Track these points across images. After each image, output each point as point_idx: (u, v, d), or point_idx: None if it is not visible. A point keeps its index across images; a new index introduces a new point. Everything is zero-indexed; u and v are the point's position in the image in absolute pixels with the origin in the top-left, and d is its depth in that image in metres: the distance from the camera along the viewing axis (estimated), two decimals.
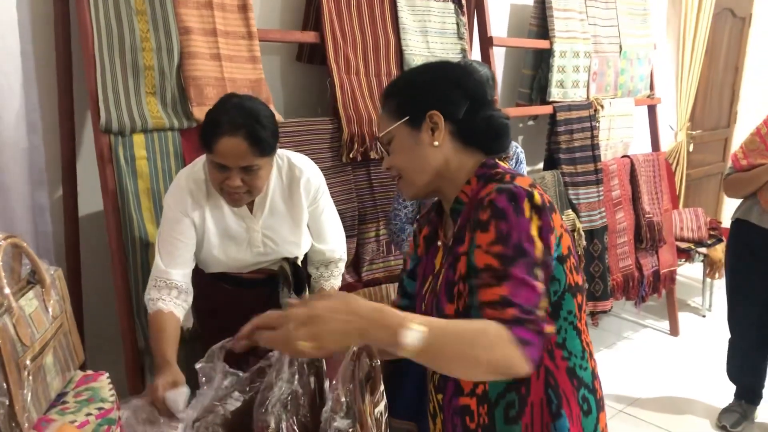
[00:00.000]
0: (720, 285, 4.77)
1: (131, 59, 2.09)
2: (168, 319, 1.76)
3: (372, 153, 2.63)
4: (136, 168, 2.09)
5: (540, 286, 1.09)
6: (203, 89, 2.20)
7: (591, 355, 1.30)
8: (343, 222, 2.17)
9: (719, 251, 4.41)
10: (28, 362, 1.17)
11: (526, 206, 1.12)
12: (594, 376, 1.29)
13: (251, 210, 1.89)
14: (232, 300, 1.94)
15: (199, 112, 2.18)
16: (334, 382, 1.27)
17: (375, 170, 2.70)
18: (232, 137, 1.64)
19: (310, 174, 1.94)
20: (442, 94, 1.24)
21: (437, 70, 1.29)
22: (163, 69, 2.14)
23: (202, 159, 1.84)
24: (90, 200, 2.23)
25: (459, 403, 1.29)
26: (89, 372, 1.42)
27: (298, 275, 2.02)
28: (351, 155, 2.59)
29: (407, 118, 1.25)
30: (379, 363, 1.41)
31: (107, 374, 1.43)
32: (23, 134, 2.08)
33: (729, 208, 5.91)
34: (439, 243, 1.35)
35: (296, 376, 1.27)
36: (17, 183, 2.08)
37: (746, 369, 3.16)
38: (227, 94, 1.77)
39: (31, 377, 1.16)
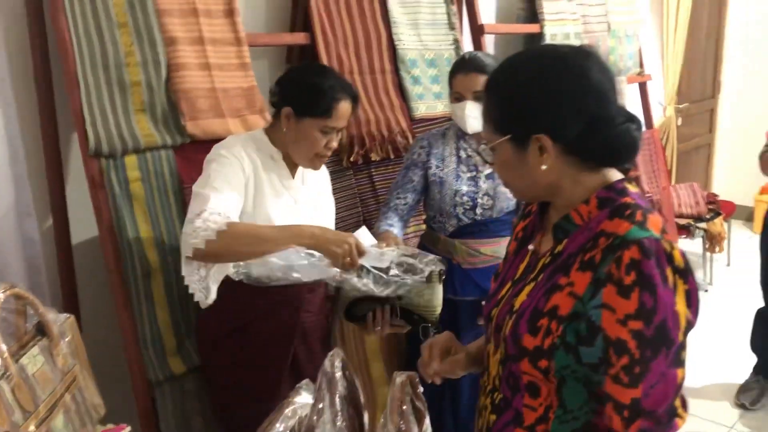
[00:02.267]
0: (718, 258, 4.76)
1: (116, 75, 1.96)
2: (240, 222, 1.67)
3: (373, 154, 2.52)
4: (130, 191, 1.96)
5: (680, 373, 1.02)
6: (195, 102, 2.07)
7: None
8: (346, 229, 2.08)
9: (718, 225, 4.38)
10: (32, 428, 1.05)
11: (669, 273, 0.99)
12: None
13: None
14: (262, 309, 1.81)
15: (193, 127, 2.06)
16: (382, 419, 1.18)
17: (377, 172, 2.59)
18: (347, 101, 1.77)
19: None
20: (551, 115, 1.07)
21: (547, 81, 1.07)
22: (151, 83, 2.01)
23: (243, 134, 1.85)
24: (83, 228, 2.10)
25: None
26: (109, 426, 1.30)
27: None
28: (351, 158, 2.48)
29: (511, 136, 1.10)
30: (422, 390, 1.32)
31: (129, 428, 1.32)
32: (5, 164, 1.94)
33: (719, 179, 5.91)
34: (531, 248, 1.22)
35: (338, 415, 1.17)
36: (3, 216, 1.95)
37: None
38: (308, 63, 2.01)
39: None
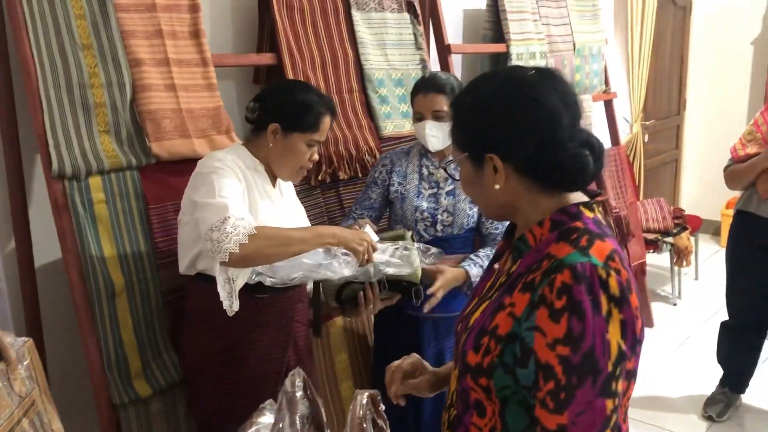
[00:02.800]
0: (686, 272, 4.84)
1: (80, 97, 1.95)
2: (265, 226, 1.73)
3: (341, 173, 2.53)
4: (95, 213, 1.95)
5: (609, 404, 0.99)
6: (160, 123, 2.07)
7: None
8: None
9: (685, 239, 4.46)
10: None
11: (604, 301, 0.99)
12: None
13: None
14: (261, 320, 1.87)
15: (158, 147, 2.06)
16: None
17: (345, 191, 2.60)
18: (329, 115, 1.88)
19: None
20: (501, 136, 1.10)
21: (500, 103, 1.10)
22: (116, 105, 2.00)
23: (219, 151, 1.87)
24: (46, 250, 2.08)
25: None
26: None
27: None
28: (319, 177, 2.49)
29: (467, 154, 1.15)
30: (384, 408, 1.33)
31: None
32: None
33: (686, 194, 6.03)
34: (496, 266, 1.25)
35: None
36: None
37: (738, 354, 3.19)
38: (289, 80, 2.20)
39: None
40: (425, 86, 2.16)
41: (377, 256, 1.85)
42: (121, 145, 2.02)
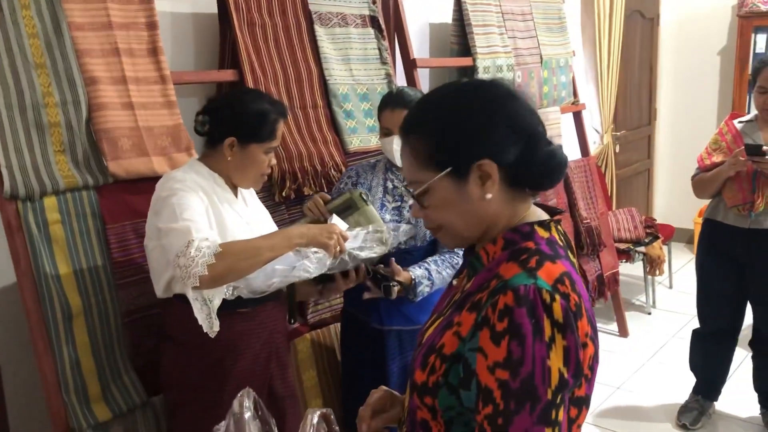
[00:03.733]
0: (660, 281, 4.87)
1: (34, 117, 1.92)
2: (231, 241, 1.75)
3: (306, 189, 2.52)
4: (50, 234, 1.92)
5: None
6: (117, 141, 2.05)
7: None
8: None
9: (657, 248, 4.48)
10: None
11: (546, 325, 0.95)
12: None
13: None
14: (245, 334, 1.86)
15: (115, 166, 2.03)
16: None
17: None
18: (282, 119, 1.89)
19: None
20: (492, 137, 1.02)
21: (481, 105, 1.04)
22: (71, 124, 1.98)
23: (177, 170, 1.85)
24: (0, 275, 2.04)
25: None
26: None
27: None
28: (284, 193, 2.47)
29: (450, 169, 1.04)
30: (337, 429, 1.31)
31: None
32: None
33: (659, 203, 6.08)
34: (454, 282, 1.21)
35: None
36: None
37: (710, 361, 3.20)
38: (236, 90, 2.14)
39: None
40: (393, 102, 2.15)
41: (349, 244, 1.85)
42: (77, 165, 1.99)
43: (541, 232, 1.07)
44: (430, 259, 2.18)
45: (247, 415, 1.18)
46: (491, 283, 1.02)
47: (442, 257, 2.19)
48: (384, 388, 1.33)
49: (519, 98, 1.07)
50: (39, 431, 2.06)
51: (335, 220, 1.94)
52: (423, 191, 1.07)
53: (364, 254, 1.89)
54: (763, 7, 5.07)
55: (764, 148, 2.71)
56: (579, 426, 1.06)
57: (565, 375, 0.96)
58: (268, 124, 1.84)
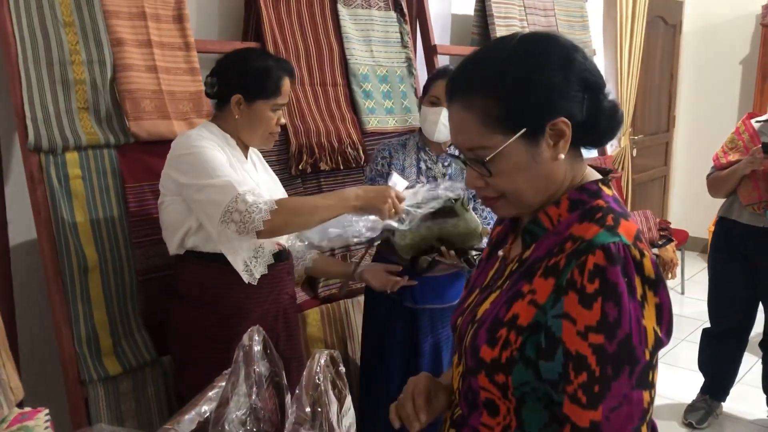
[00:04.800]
0: (673, 286, 4.84)
1: (60, 73, 1.97)
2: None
3: (322, 164, 2.54)
4: (70, 188, 1.95)
5: (646, 396, 0.91)
6: (140, 103, 2.09)
7: None
8: None
9: (670, 251, 4.47)
10: None
11: (638, 283, 0.90)
12: None
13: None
14: (254, 291, 1.86)
15: (137, 127, 2.07)
16: (297, 391, 1.17)
17: (326, 182, 2.61)
18: (288, 77, 1.88)
19: None
20: (569, 93, 0.96)
21: (549, 61, 0.97)
22: (96, 82, 2.02)
23: (191, 131, 1.87)
24: (22, 228, 2.07)
25: None
26: (26, 409, 1.28)
27: None
28: (300, 167, 2.50)
29: (524, 130, 0.96)
30: (344, 370, 1.32)
31: (47, 410, 1.29)
32: None
33: (675, 211, 6.04)
34: (500, 253, 1.13)
35: (254, 389, 1.17)
36: None
37: (719, 361, 3.18)
38: (242, 49, 2.05)
39: None
40: (448, 71, 2.14)
41: (410, 202, 1.87)
42: (99, 123, 2.03)
43: (607, 190, 1.03)
44: None
45: (257, 348, 1.20)
46: (566, 246, 0.96)
47: None
48: (425, 375, 1.24)
49: (580, 50, 1.00)
50: (51, 382, 2.08)
51: (395, 178, 1.95)
52: (490, 156, 0.98)
53: (421, 211, 1.90)
54: None
55: None
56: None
57: (659, 333, 0.92)
58: (272, 80, 1.84)
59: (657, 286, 0.92)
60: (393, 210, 1.81)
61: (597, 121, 0.99)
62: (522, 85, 0.96)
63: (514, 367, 0.98)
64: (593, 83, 0.99)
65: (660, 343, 0.93)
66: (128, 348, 2.02)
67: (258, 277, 1.81)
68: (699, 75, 5.78)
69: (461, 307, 1.17)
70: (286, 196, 2.07)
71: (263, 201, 1.68)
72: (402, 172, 2.21)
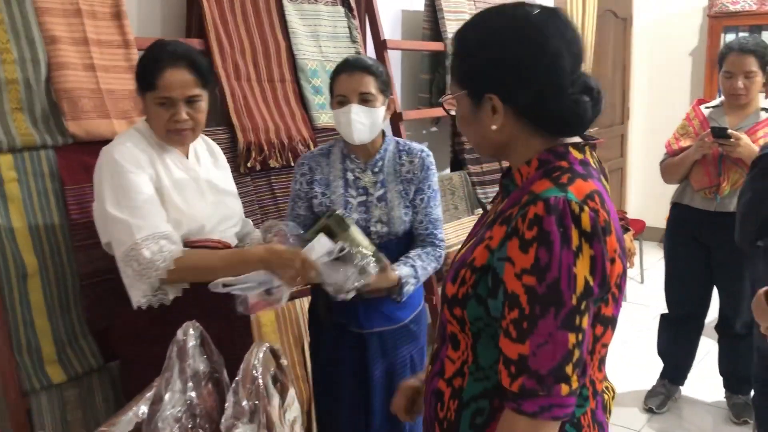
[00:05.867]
0: (632, 276, 4.90)
1: None
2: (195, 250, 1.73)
3: (272, 161, 2.51)
4: (5, 192, 1.89)
5: (571, 338, 0.99)
6: (77, 102, 2.02)
7: (594, 395, 1.16)
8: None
9: (627, 241, 4.51)
10: None
11: (574, 235, 0.99)
12: (585, 413, 1.14)
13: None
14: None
15: (75, 127, 2.01)
16: (234, 385, 1.14)
17: (277, 180, 2.57)
18: (176, 68, 1.71)
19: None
20: (502, 79, 1.08)
21: (503, 44, 1.07)
22: (29, 82, 1.95)
23: (127, 130, 1.83)
24: None
25: (436, 385, 1.21)
26: None
27: None
28: (249, 165, 2.46)
29: (465, 92, 1.13)
30: (287, 363, 1.29)
31: None
32: None
33: (632, 202, 6.12)
34: (489, 208, 1.29)
35: (189, 384, 1.13)
36: None
37: (677, 345, 3.22)
38: (158, 40, 1.85)
39: None
40: (351, 65, 1.94)
41: (325, 260, 1.70)
42: (35, 124, 1.96)
43: (575, 153, 1.11)
44: (414, 253, 2.00)
45: (191, 344, 1.16)
46: (522, 199, 1.06)
47: (425, 250, 2.02)
48: (411, 383, 1.44)
49: (552, 45, 1.06)
50: None
51: (316, 242, 1.72)
52: (450, 100, 1.16)
53: (346, 292, 1.73)
54: (732, 7, 5.16)
55: (729, 131, 2.74)
56: (604, 345, 1.11)
57: (591, 283, 1.00)
58: (149, 72, 1.72)
59: (592, 239, 1.00)
60: (299, 279, 1.68)
61: (544, 113, 1.08)
62: (474, 54, 1.10)
63: (468, 302, 1.10)
64: (546, 82, 1.06)
65: (590, 292, 1.00)
66: (73, 354, 1.95)
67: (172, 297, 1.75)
68: (651, 67, 5.88)
69: (454, 257, 1.27)
70: (235, 191, 2.03)
71: (161, 257, 1.64)
72: (328, 187, 2.01)
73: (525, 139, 1.12)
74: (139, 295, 1.69)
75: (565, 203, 1.00)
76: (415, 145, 2.11)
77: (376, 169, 2.03)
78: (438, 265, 2.06)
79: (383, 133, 2.07)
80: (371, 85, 1.94)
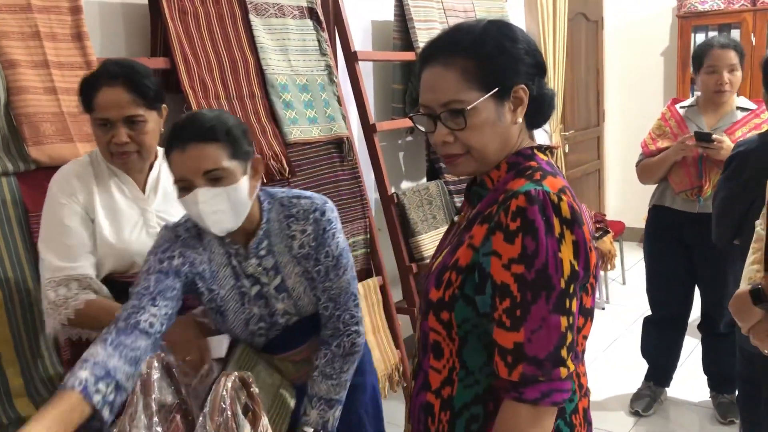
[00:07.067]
0: (614, 277, 4.91)
1: None
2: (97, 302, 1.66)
3: None
4: None
5: (563, 321, 1.03)
6: (39, 126, 1.97)
7: (581, 389, 1.20)
8: None
9: (607, 243, 4.51)
10: None
11: (556, 222, 1.03)
12: (577, 411, 1.18)
13: (144, 192, 1.80)
14: None
15: (37, 152, 1.96)
16: (201, 418, 1.10)
17: None
18: (111, 87, 1.64)
19: None
20: (531, 67, 1.14)
21: (517, 36, 1.14)
22: None
23: (63, 169, 1.78)
24: None
25: (424, 399, 1.20)
26: None
27: None
28: None
29: (496, 90, 1.11)
30: (257, 391, 1.25)
31: None
32: None
33: (611, 204, 6.15)
34: (456, 219, 1.28)
35: (155, 419, 1.09)
36: None
37: (661, 347, 3.21)
38: (105, 60, 1.79)
39: None
40: (182, 137, 1.42)
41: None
42: None
43: (541, 156, 1.18)
44: (317, 373, 1.61)
45: (155, 376, 1.12)
46: (500, 198, 1.10)
47: (332, 347, 1.62)
48: None
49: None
50: None
51: (216, 341, 1.61)
52: (465, 111, 1.11)
53: None
54: (701, 7, 5.20)
55: (714, 136, 2.74)
56: (585, 337, 1.14)
57: (576, 267, 1.04)
58: (85, 93, 1.67)
59: (572, 225, 1.04)
60: (193, 364, 1.56)
61: (541, 101, 1.16)
62: (498, 51, 1.11)
63: (455, 303, 1.11)
64: (543, 67, 1.16)
65: (576, 275, 1.04)
66: (42, 386, 1.90)
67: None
68: (623, 68, 5.91)
69: (430, 270, 1.26)
70: None
71: (65, 304, 1.62)
72: (214, 280, 1.57)
73: (522, 137, 1.18)
74: (49, 327, 1.69)
75: (545, 194, 1.04)
76: (305, 202, 1.60)
77: (262, 253, 1.58)
78: (359, 355, 1.66)
79: (260, 201, 1.59)
80: (219, 157, 1.43)
